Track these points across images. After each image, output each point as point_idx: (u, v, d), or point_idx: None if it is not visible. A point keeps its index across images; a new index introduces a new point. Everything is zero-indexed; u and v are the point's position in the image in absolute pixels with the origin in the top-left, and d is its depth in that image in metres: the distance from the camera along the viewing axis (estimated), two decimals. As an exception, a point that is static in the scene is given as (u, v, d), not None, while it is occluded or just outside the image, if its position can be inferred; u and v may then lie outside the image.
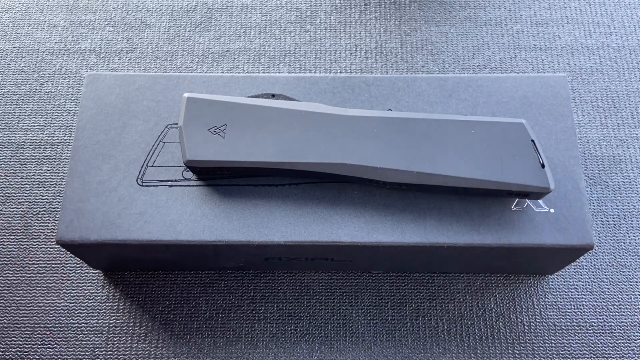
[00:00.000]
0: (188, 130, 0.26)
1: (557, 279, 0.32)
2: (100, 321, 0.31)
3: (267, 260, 0.29)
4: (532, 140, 0.26)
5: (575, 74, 0.37)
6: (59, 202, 0.33)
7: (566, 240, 0.26)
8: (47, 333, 0.31)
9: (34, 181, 0.34)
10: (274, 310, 0.31)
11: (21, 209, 0.33)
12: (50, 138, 0.35)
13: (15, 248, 0.32)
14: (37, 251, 0.32)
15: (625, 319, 0.31)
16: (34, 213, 0.33)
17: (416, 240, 0.26)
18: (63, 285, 0.32)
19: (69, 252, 0.31)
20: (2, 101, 0.36)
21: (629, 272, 0.32)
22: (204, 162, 0.26)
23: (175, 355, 0.30)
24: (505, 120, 0.26)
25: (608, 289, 0.31)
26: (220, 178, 0.28)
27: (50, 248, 0.32)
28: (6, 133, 0.35)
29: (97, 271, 0.32)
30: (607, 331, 0.31)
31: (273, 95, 0.28)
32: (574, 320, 0.31)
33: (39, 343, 0.30)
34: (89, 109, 0.29)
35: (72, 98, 0.36)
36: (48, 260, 0.32)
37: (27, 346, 0.30)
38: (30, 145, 0.35)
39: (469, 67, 0.37)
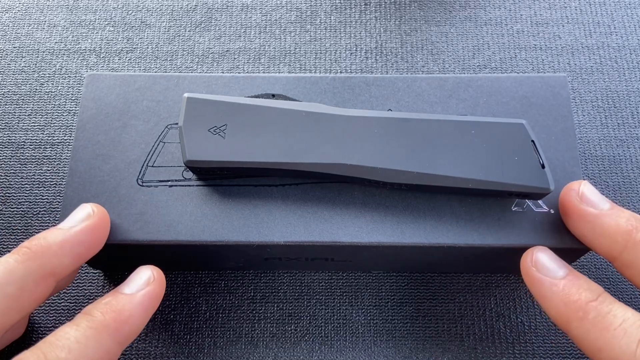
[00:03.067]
0: (188, 130, 0.26)
1: (557, 279, 0.32)
2: (100, 321, 0.31)
3: (267, 260, 0.29)
4: (532, 141, 0.26)
5: (576, 74, 0.37)
6: (59, 202, 0.33)
7: (566, 240, 0.26)
8: (48, 333, 0.31)
9: (34, 181, 0.34)
10: (274, 310, 0.31)
11: (21, 209, 0.33)
12: (50, 138, 0.35)
13: (15, 248, 0.32)
14: (37, 251, 0.32)
15: (625, 319, 0.31)
16: (34, 213, 0.33)
17: (416, 241, 0.26)
18: (63, 285, 0.32)
19: (69, 252, 0.31)
20: (2, 101, 0.36)
21: (629, 272, 0.32)
22: (204, 162, 0.26)
23: (175, 355, 0.30)
24: (505, 120, 0.26)
25: (608, 289, 0.31)
26: (221, 178, 0.28)
27: (51, 248, 0.32)
28: (6, 133, 0.35)
29: (97, 271, 0.32)
30: (607, 331, 0.31)
31: (273, 95, 0.28)
32: (574, 320, 0.31)
33: (39, 343, 0.30)
34: (88, 109, 0.29)
35: (72, 98, 0.36)
36: (48, 260, 0.32)
37: (27, 346, 0.30)
38: (30, 145, 0.35)
39: (469, 67, 0.37)
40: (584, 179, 0.26)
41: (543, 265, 0.24)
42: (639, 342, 0.21)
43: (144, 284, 0.25)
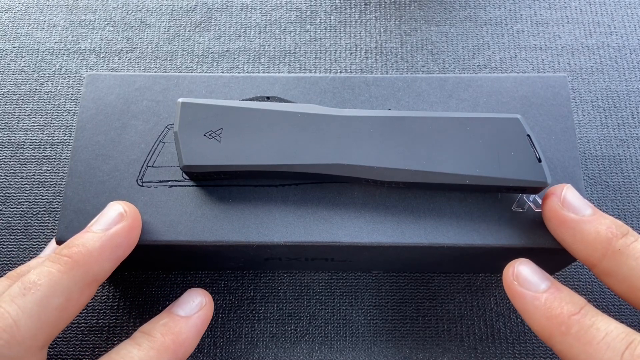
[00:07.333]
0: (184, 135, 0.26)
1: (557, 279, 0.32)
2: (100, 321, 0.31)
3: (267, 260, 0.29)
4: (528, 135, 0.26)
5: (576, 74, 0.37)
6: (59, 202, 0.33)
7: (566, 240, 0.26)
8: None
9: (34, 181, 0.34)
10: (274, 310, 0.31)
11: (21, 209, 0.33)
12: (50, 138, 0.35)
13: (15, 248, 0.32)
14: (37, 251, 0.32)
15: (625, 319, 0.31)
16: (34, 213, 0.33)
17: (416, 241, 0.26)
18: (63, 285, 0.32)
19: (69, 252, 0.31)
20: (1, 101, 0.36)
21: (629, 272, 0.32)
22: (201, 167, 0.26)
23: (175, 355, 0.30)
24: (500, 115, 0.26)
25: (608, 289, 0.31)
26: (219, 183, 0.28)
27: (50, 248, 0.32)
28: (6, 133, 0.35)
29: (97, 271, 0.32)
30: (607, 331, 0.31)
31: (268, 98, 0.28)
32: (574, 321, 0.31)
33: (39, 343, 0.30)
34: (88, 109, 0.29)
35: (72, 98, 0.36)
36: (48, 261, 0.32)
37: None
38: (30, 145, 0.35)
39: (469, 67, 0.37)
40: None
41: (525, 279, 0.24)
42: (622, 355, 0.20)
43: (197, 307, 0.26)
